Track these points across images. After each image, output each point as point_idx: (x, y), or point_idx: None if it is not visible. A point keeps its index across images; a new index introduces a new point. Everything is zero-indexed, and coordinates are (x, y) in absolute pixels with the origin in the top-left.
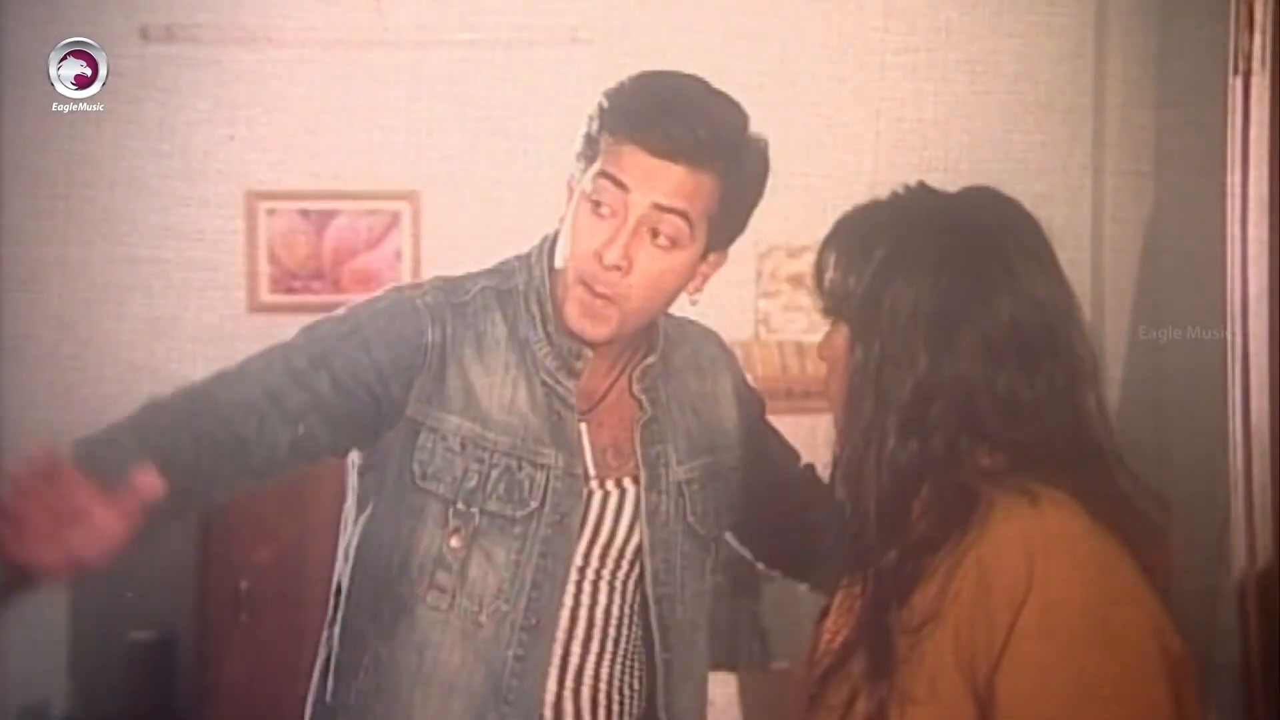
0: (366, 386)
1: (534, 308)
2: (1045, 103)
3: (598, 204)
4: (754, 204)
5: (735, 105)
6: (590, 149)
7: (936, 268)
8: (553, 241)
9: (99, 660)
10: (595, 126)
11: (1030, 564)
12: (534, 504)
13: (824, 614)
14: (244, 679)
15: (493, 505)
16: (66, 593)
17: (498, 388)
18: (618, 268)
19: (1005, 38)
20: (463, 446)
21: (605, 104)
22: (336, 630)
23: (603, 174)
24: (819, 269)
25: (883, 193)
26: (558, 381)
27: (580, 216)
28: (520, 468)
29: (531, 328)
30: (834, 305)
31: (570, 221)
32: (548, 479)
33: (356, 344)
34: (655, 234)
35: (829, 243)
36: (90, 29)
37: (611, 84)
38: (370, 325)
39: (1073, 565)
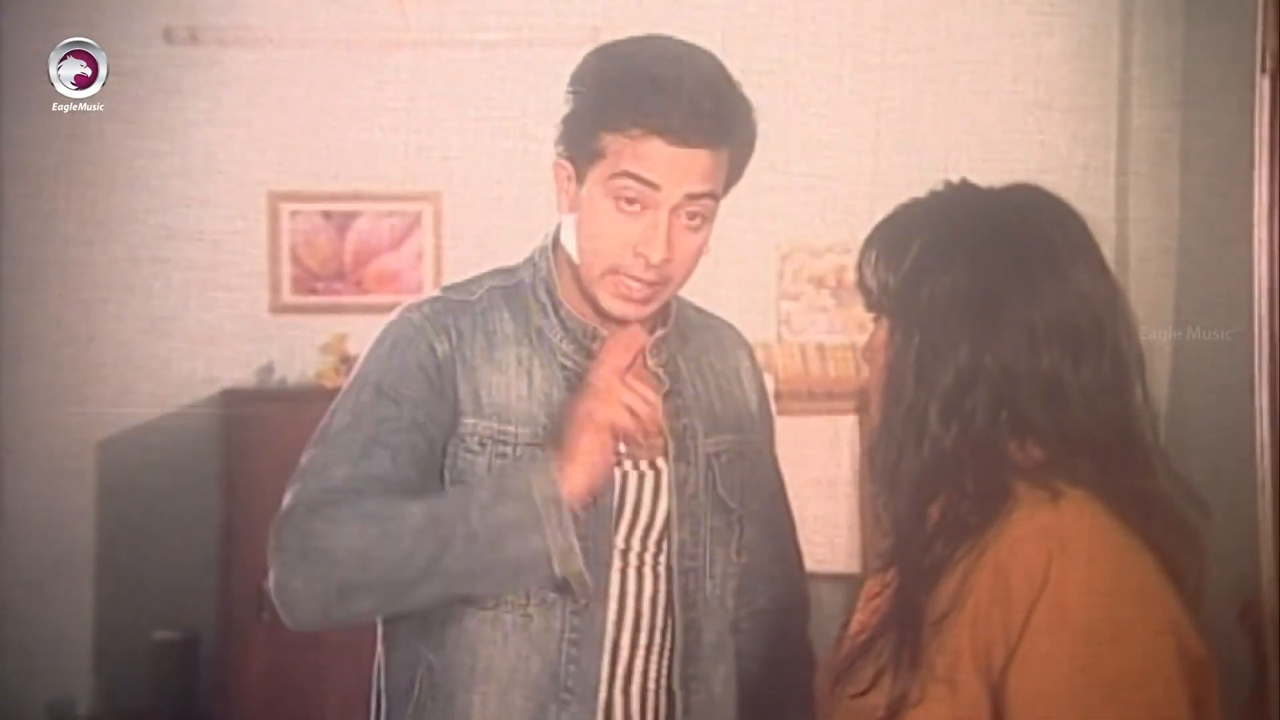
0: (420, 429)
1: (543, 296)
2: (1045, 103)
3: (622, 199)
4: (750, 157)
5: (719, 63)
6: (588, 142)
7: (977, 255)
8: (555, 232)
9: (123, 659)
10: (589, 118)
11: (1047, 561)
12: None
13: (854, 600)
14: (266, 678)
15: None
16: (91, 593)
17: (513, 382)
18: (666, 260)
19: (1005, 38)
20: (482, 445)
21: (596, 94)
22: (387, 653)
23: (626, 174)
24: (861, 270)
25: (919, 192)
26: (575, 362)
27: (601, 212)
28: (545, 452)
29: (544, 316)
30: (875, 302)
31: (589, 217)
32: None
33: (388, 403)
34: (686, 215)
35: (870, 242)
36: (109, 29)
37: (579, 66)
38: (386, 376)
39: (1089, 563)
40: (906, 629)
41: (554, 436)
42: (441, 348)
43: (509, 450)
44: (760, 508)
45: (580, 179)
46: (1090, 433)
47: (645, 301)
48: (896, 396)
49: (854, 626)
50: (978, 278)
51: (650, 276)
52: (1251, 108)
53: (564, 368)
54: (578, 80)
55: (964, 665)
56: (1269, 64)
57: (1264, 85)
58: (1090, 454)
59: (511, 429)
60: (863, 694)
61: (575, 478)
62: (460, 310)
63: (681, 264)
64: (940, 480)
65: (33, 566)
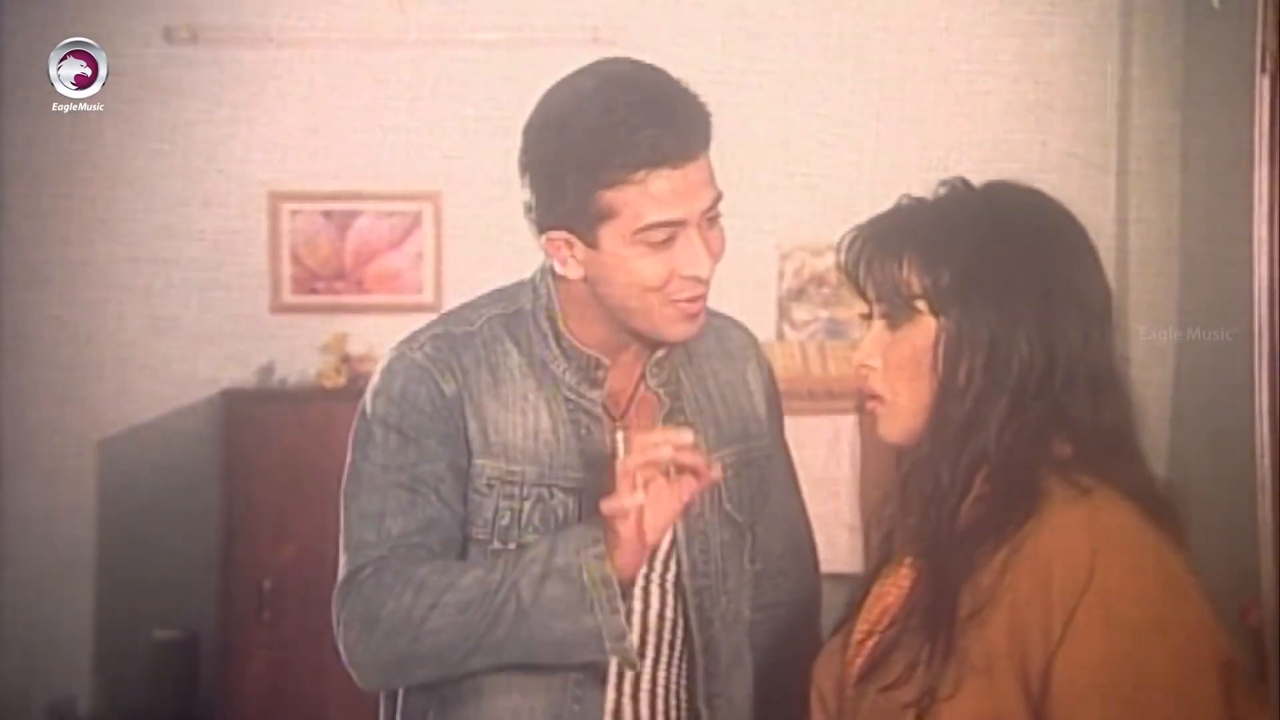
0: (450, 468)
1: (544, 325)
2: (1045, 103)
3: (652, 244)
4: None
5: (650, 66)
6: (587, 207)
7: (1032, 242)
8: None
9: (124, 659)
10: (579, 186)
11: (1091, 557)
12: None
13: (859, 601)
14: (266, 677)
15: (530, 538)
16: (92, 592)
17: (519, 418)
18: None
19: (1006, 38)
20: (489, 486)
21: (571, 161)
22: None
23: (652, 226)
24: (886, 272)
25: (910, 192)
26: (580, 395)
27: (631, 260)
28: (552, 495)
29: (545, 346)
30: (916, 302)
31: (619, 269)
32: (580, 501)
33: (415, 447)
34: (707, 222)
35: (891, 244)
36: (109, 29)
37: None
38: (405, 419)
39: (1132, 559)
40: (940, 623)
41: (594, 492)
42: (449, 387)
43: (516, 491)
44: (771, 508)
45: (591, 242)
46: (1115, 419)
47: (700, 315)
48: (961, 392)
49: (862, 625)
50: (1041, 263)
51: (702, 290)
52: (1251, 108)
53: (569, 401)
54: (537, 158)
55: (999, 659)
56: (1269, 64)
57: (1264, 85)
58: (1113, 444)
59: (519, 469)
60: (891, 687)
61: (623, 559)
62: (462, 344)
63: (715, 267)
64: (981, 475)
65: (33, 566)
